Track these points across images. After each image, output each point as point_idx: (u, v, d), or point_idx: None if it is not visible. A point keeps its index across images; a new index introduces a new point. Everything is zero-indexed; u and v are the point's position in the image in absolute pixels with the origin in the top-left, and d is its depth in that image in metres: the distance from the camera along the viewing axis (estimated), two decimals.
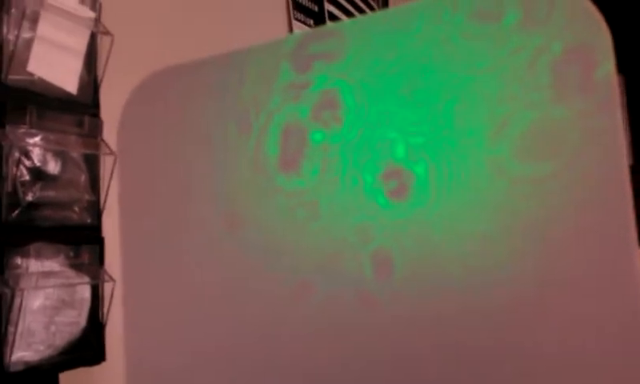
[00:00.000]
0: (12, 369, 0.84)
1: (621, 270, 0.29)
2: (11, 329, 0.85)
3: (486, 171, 0.30)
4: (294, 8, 1.65)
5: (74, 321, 0.94)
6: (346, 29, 0.35)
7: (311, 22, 1.68)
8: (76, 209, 0.95)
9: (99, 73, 0.96)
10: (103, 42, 0.97)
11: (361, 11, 1.91)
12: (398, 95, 0.31)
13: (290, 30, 1.61)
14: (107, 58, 0.96)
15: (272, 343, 0.35)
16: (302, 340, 0.34)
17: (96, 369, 0.97)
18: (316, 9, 1.75)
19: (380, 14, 0.33)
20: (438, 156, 0.30)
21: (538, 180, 0.29)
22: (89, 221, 0.96)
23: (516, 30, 0.29)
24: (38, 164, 0.89)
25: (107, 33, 0.95)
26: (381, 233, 0.31)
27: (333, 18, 1.79)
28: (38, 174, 0.89)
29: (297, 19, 1.62)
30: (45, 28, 0.90)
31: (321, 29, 0.35)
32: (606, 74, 0.27)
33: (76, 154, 0.94)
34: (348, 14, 1.89)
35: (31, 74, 0.88)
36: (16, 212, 0.86)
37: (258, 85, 0.36)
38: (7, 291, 0.84)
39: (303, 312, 0.34)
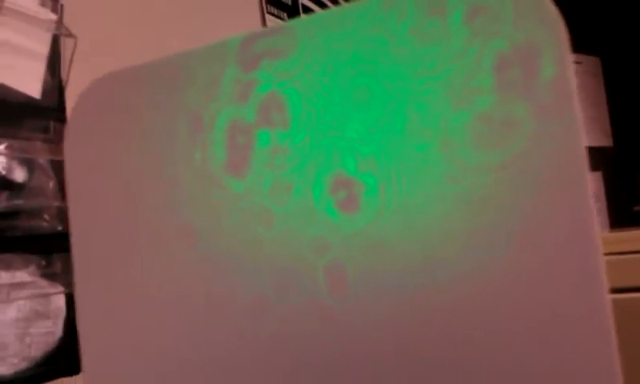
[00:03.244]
0: None
1: (583, 269, 0.28)
2: None
3: (436, 176, 0.28)
4: (267, 2, 1.62)
5: (50, 331, 0.92)
6: (296, 27, 0.33)
7: (285, 15, 1.66)
8: (46, 216, 0.93)
9: (63, 76, 0.93)
10: (67, 44, 0.94)
11: (337, 4, 1.89)
12: (346, 99, 0.30)
13: (264, 24, 1.59)
14: (71, 61, 0.93)
15: (229, 358, 0.34)
16: (260, 354, 0.33)
17: (75, 379, 0.95)
18: (290, 2, 1.73)
19: (331, 12, 0.32)
20: (389, 164, 0.29)
21: (489, 179, 0.28)
22: (60, 228, 0.94)
23: (462, 27, 0.27)
24: (3, 172, 0.87)
25: (70, 35, 0.93)
26: (334, 245, 0.30)
27: (307, 11, 1.77)
28: (3, 183, 0.87)
29: (270, 13, 1.60)
30: (4, 32, 0.87)
31: (270, 27, 0.34)
32: (551, 77, 0.26)
33: (43, 160, 0.92)
34: (323, 6, 1.87)
35: None
36: None
37: (205, 86, 0.34)
38: None
39: (260, 326, 0.33)
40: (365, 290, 0.29)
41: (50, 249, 0.92)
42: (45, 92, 0.91)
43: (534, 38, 0.26)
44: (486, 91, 0.27)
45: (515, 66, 0.27)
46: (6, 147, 0.87)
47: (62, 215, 0.93)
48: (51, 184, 0.93)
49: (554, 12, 0.26)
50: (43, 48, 0.91)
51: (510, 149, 0.27)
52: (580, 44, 1.89)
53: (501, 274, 0.29)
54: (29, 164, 0.91)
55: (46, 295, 0.91)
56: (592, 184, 1.82)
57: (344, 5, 0.32)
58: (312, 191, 0.30)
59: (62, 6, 0.93)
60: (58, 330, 0.92)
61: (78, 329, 0.43)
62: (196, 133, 0.35)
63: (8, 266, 0.88)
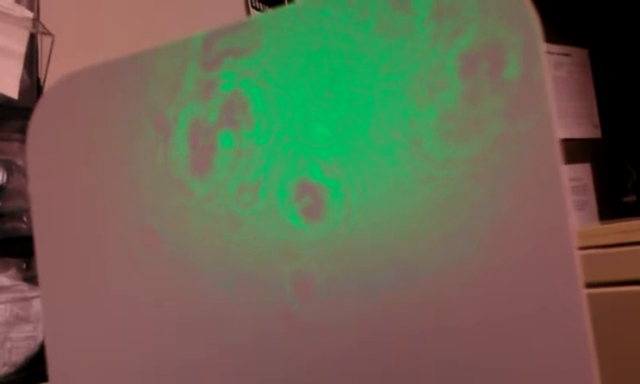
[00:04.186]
0: None
1: (558, 265, 0.27)
2: None
3: (404, 177, 0.27)
4: None
5: (31, 335, 0.91)
6: (261, 23, 0.32)
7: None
8: (25, 219, 0.91)
9: (41, 75, 0.91)
10: (44, 42, 0.92)
11: None
12: (311, 100, 0.29)
13: None
14: (49, 59, 0.91)
15: (194, 364, 0.33)
16: (226, 361, 0.32)
17: None
18: None
19: (295, 7, 0.30)
20: (355, 167, 0.28)
21: (458, 178, 0.27)
22: None
23: (428, 24, 0.26)
24: None
25: (47, 33, 0.91)
26: (300, 252, 0.29)
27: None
28: None
29: (255, 7, 1.58)
30: None
31: (234, 23, 0.32)
32: (517, 75, 0.25)
33: (21, 161, 0.90)
34: None
35: None
36: None
37: (167, 85, 0.33)
38: None
39: (227, 332, 0.32)
40: (333, 296, 0.28)
41: (30, 252, 0.91)
42: (22, 91, 0.89)
43: (499, 35, 0.25)
44: (451, 89, 0.26)
45: (481, 64, 0.26)
46: None
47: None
48: None
49: (524, 10, 0.25)
50: (20, 46, 0.90)
51: (478, 147, 0.26)
52: (568, 36, 1.88)
53: (474, 272, 0.28)
54: (7, 165, 0.89)
55: (27, 299, 0.90)
56: (581, 176, 1.82)
57: None
58: (277, 197, 0.29)
59: (38, 3, 0.92)
60: (39, 334, 0.90)
61: (44, 335, 0.42)
62: (159, 133, 0.34)
63: None
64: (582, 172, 1.86)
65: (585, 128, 1.90)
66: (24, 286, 0.90)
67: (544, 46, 0.26)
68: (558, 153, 0.26)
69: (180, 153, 0.31)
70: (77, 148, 0.37)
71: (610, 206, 1.89)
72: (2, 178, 0.88)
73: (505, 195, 0.26)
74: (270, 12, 0.32)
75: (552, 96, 0.26)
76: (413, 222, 0.27)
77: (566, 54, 1.87)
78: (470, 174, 0.26)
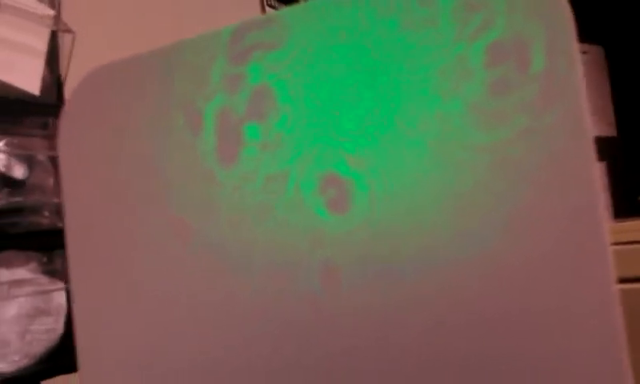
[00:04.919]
0: None
1: (589, 249, 0.27)
2: None
3: (429, 171, 0.28)
4: None
5: (51, 328, 0.92)
6: (287, 17, 0.33)
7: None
8: (46, 213, 0.92)
9: (62, 71, 0.93)
10: (65, 40, 0.94)
11: None
12: (337, 94, 0.29)
13: None
14: (69, 56, 0.93)
15: (224, 354, 0.33)
16: (255, 350, 0.33)
17: (76, 376, 0.95)
18: None
19: (321, 2, 0.31)
20: (380, 161, 0.28)
21: (483, 172, 0.27)
22: (60, 225, 0.94)
23: (453, 18, 0.27)
24: (2, 169, 0.87)
25: (68, 30, 0.92)
26: (326, 244, 0.29)
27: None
28: (3, 180, 0.87)
29: (270, 6, 1.59)
30: (2, 29, 0.87)
31: (261, 17, 0.33)
32: (541, 67, 0.25)
33: (42, 156, 0.92)
34: None
35: None
36: None
37: (196, 78, 0.34)
38: None
39: (254, 322, 0.33)
40: (357, 285, 0.29)
41: (50, 245, 0.92)
42: (44, 88, 0.91)
43: (527, 28, 0.25)
44: (477, 81, 0.27)
45: (506, 57, 0.26)
46: (6, 144, 0.87)
47: (62, 212, 0.92)
48: (51, 180, 0.93)
49: (552, 2, 0.25)
50: (41, 44, 0.91)
51: (503, 141, 0.27)
52: (584, 33, 1.87)
53: (499, 263, 0.28)
54: (29, 161, 0.91)
55: (47, 292, 0.91)
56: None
57: None
58: (303, 188, 0.30)
59: (59, 1, 0.93)
60: (59, 326, 0.92)
61: (74, 326, 0.42)
62: (188, 126, 0.34)
63: (9, 263, 0.88)
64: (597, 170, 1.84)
65: (600, 126, 1.89)
66: (44, 279, 0.92)
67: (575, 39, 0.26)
68: (588, 144, 0.26)
69: (209, 145, 0.32)
70: (106, 140, 0.38)
71: (625, 205, 1.87)
72: (24, 172, 0.90)
73: (530, 186, 0.27)
74: (297, 7, 0.33)
75: (582, 88, 0.26)
76: (436, 212, 0.28)
77: (582, 52, 1.86)
78: (495, 163, 0.27)
